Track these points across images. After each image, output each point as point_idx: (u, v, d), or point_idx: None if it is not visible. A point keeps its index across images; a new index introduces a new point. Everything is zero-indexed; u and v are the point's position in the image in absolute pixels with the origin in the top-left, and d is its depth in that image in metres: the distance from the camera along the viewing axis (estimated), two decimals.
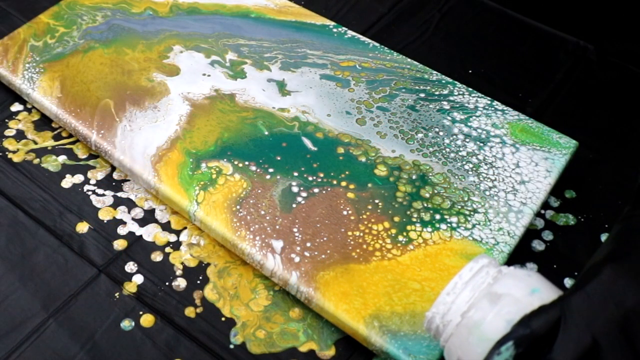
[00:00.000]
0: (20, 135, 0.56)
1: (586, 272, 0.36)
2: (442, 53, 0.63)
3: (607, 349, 0.32)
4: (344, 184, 0.50)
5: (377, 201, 0.49)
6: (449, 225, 0.48)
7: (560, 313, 0.34)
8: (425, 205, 0.49)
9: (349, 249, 0.46)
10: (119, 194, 0.52)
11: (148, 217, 0.51)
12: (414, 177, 0.50)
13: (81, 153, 0.55)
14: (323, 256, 0.46)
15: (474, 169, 0.51)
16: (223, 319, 0.46)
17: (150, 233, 0.50)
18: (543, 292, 0.36)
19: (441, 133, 0.53)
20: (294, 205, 0.49)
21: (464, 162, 0.51)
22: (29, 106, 0.58)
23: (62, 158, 0.54)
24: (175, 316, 0.46)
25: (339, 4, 0.67)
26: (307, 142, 0.53)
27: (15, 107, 0.58)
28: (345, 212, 0.48)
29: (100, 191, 0.52)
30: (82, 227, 0.50)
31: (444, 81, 0.57)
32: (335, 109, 0.55)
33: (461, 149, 0.52)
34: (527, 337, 0.34)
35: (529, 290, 0.36)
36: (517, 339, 0.34)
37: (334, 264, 0.46)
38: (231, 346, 0.44)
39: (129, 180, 0.53)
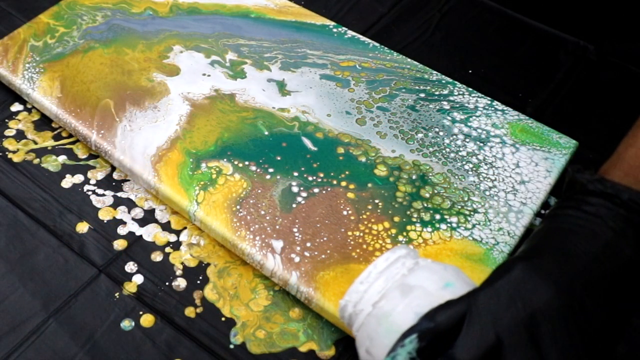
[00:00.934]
0: (20, 135, 0.56)
1: (497, 269, 0.36)
2: (442, 53, 0.63)
3: (511, 348, 0.32)
4: (344, 184, 0.50)
5: (377, 201, 0.49)
6: (449, 225, 0.48)
7: (466, 308, 0.33)
8: (425, 205, 0.49)
9: (349, 249, 0.46)
10: (119, 194, 0.52)
11: (148, 217, 0.51)
12: (414, 177, 0.50)
13: (81, 153, 0.55)
14: (323, 256, 0.46)
15: (474, 169, 0.51)
16: (223, 319, 0.46)
17: (150, 233, 0.50)
18: (457, 287, 0.36)
19: (441, 133, 0.53)
20: (294, 205, 0.49)
21: (464, 162, 0.51)
22: (29, 106, 0.58)
23: (62, 158, 0.54)
24: (175, 316, 0.46)
25: (339, 4, 0.67)
26: (307, 142, 0.53)
27: (15, 107, 0.58)
28: (345, 212, 0.48)
29: (100, 191, 0.52)
30: (82, 227, 0.50)
31: (444, 81, 0.57)
32: (335, 109, 0.55)
33: (461, 149, 0.52)
34: (431, 330, 0.33)
35: (442, 284, 0.35)
36: (421, 331, 0.33)
37: (334, 264, 0.46)
38: (231, 346, 0.44)
39: (129, 180, 0.53)
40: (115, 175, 0.53)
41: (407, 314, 0.34)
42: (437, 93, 0.56)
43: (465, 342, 0.32)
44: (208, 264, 0.48)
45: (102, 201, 0.52)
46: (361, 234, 0.47)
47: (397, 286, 0.36)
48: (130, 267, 0.48)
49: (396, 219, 0.48)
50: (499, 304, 0.33)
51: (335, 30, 0.61)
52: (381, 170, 0.51)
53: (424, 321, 0.33)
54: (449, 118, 0.54)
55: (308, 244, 0.47)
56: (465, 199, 0.49)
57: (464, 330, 0.33)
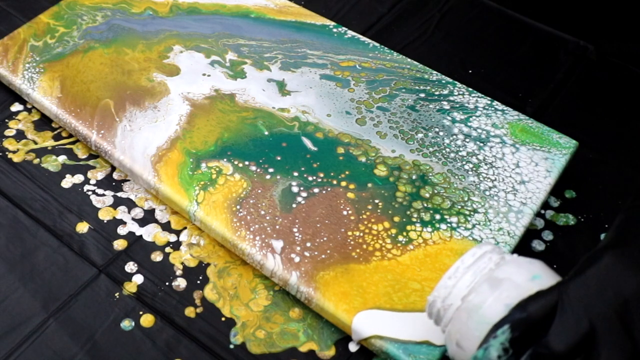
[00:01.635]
0: (20, 135, 0.56)
1: (586, 258, 0.36)
2: (442, 53, 0.63)
3: (604, 335, 0.32)
4: (344, 184, 0.50)
5: (377, 201, 0.49)
6: (449, 225, 0.48)
7: (557, 298, 0.34)
8: (425, 205, 0.49)
9: (349, 249, 0.46)
10: (119, 194, 0.52)
11: (148, 217, 0.51)
12: (414, 177, 0.50)
13: (81, 153, 0.55)
14: (323, 256, 0.46)
15: (474, 169, 0.51)
16: (223, 319, 0.46)
17: (150, 233, 0.50)
18: (544, 279, 0.36)
19: (441, 133, 0.53)
20: (294, 205, 0.49)
21: (464, 162, 0.51)
22: (29, 106, 0.58)
23: (62, 158, 0.54)
24: (175, 316, 0.46)
25: (339, 4, 0.67)
26: (307, 142, 0.53)
27: (15, 107, 0.58)
28: (345, 212, 0.48)
29: (100, 191, 0.52)
30: (82, 227, 0.50)
31: (444, 81, 0.57)
32: (335, 109, 0.55)
33: (461, 149, 0.52)
34: (524, 320, 0.34)
35: (530, 277, 0.36)
36: (513, 322, 0.34)
37: (334, 264, 0.46)
38: (231, 346, 0.44)
39: (129, 180, 0.53)
40: (115, 175, 0.53)
41: (498, 306, 0.35)
42: (437, 93, 0.56)
43: (559, 331, 0.33)
44: (208, 264, 0.48)
45: (102, 201, 0.52)
46: (361, 234, 0.47)
47: (486, 280, 0.37)
48: (130, 267, 0.48)
49: (396, 219, 0.48)
50: (590, 292, 0.33)
51: (335, 30, 0.61)
52: (381, 170, 0.51)
53: (515, 312, 0.34)
54: (449, 118, 0.54)
55: (308, 244, 0.47)
56: (465, 199, 0.49)
57: (556, 319, 0.33)
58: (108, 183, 0.53)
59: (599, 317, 0.33)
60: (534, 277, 0.36)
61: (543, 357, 0.33)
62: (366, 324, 0.43)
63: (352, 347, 0.44)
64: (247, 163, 0.51)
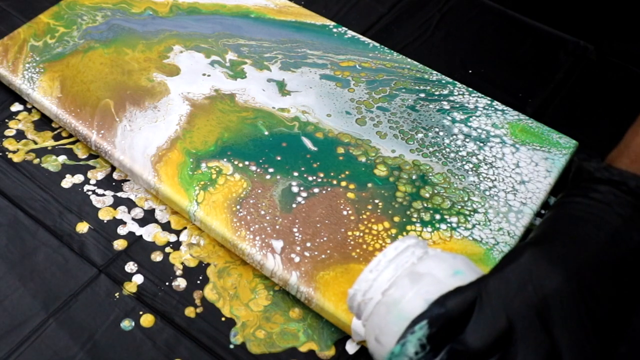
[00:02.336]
0: (20, 135, 0.56)
1: (507, 255, 0.36)
2: (442, 53, 0.63)
3: (522, 332, 0.32)
4: (344, 184, 0.50)
5: (377, 201, 0.49)
6: (449, 225, 0.48)
7: (476, 294, 0.33)
8: (425, 205, 0.49)
9: (349, 249, 0.46)
10: (119, 194, 0.52)
11: (148, 217, 0.51)
12: (414, 177, 0.50)
13: (81, 153, 0.55)
14: (323, 256, 0.46)
15: (474, 169, 0.51)
16: (223, 319, 0.46)
17: (150, 233, 0.50)
18: (466, 274, 0.35)
19: (441, 133, 0.53)
20: (294, 205, 0.49)
21: (464, 162, 0.51)
22: (29, 106, 0.58)
23: (62, 158, 0.54)
24: (175, 316, 0.46)
25: (339, 4, 0.67)
26: (307, 142, 0.53)
27: (15, 107, 0.58)
28: (345, 212, 0.48)
29: (100, 191, 0.52)
30: (82, 227, 0.50)
31: (444, 81, 0.57)
32: (335, 109, 0.55)
33: (461, 149, 0.52)
34: (441, 316, 0.33)
35: (452, 272, 0.35)
36: (431, 318, 0.33)
37: (334, 264, 0.46)
38: (231, 346, 0.44)
39: (129, 180, 0.53)
40: (115, 175, 0.53)
41: (417, 301, 0.34)
42: (437, 93, 0.56)
43: (477, 327, 0.32)
44: (208, 264, 0.48)
45: (102, 201, 0.52)
46: (361, 234, 0.47)
47: (407, 274, 0.36)
48: (130, 267, 0.48)
49: (396, 219, 0.48)
50: (509, 289, 0.33)
51: (335, 30, 0.61)
52: (381, 170, 0.51)
53: (434, 307, 0.33)
54: (449, 118, 0.54)
55: (308, 244, 0.47)
56: (465, 199, 0.49)
57: (474, 316, 0.33)
58: (108, 183, 0.53)
59: (518, 314, 0.32)
60: (455, 272, 0.35)
61: (459, 354, 0.32)
62: None
63: (352, 349, 0.44)
64: (247, 163, 0.51)
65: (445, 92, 0.56)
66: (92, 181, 0.53)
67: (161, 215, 0.51)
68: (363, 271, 0.37)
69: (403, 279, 0.36)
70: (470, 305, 0.33)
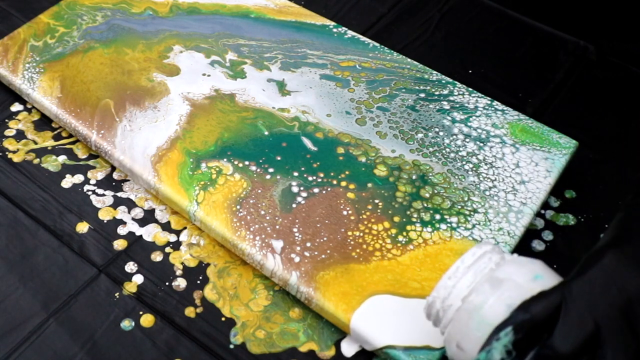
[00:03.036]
0: (20, 135, 0.56)
1: (587, 258, 0.36)
2: (442, 53, 0.63)
3: (609, 334, 0.32)
4: (344, 184, 0.50)
5: (377, 201, 0.49)
6: (449, 225, 0.48)
7: (561, 298, 0.33)
8: (425, 205, 0.49)
9: (349, 249, 0.46)
10: (119, 194, 0.52)
11: (148, 217, 0.51)
12: (414, 177, 0.50)
13: (81, 153, 0.55)
14: (323, 256, 0.46)
15: (474, 169, 0.51)
16: (223, 319, 0.46)
17: (150, 233, 0.50)
18: (546, 279, 0.36)
19: (441, 133, 0.53)
20: (294, 205, 0.49)
21: (464, 162, 0.51)
22: (29, 106, 0.58)
23: (62, 158, 0.54)
24: (175, 316, 0.46)
25: (339, 4, 0.67)
26: (307, 142, 0.53)
27: (15, 107, 0.58)
28: (345, 212, 0.48)
29: (100, 191, 0.52)
30: (82, 227, 0.50)
31: (444, 81, 0.57)
32: (335, 109, 0.55)
33: (461, 149, 0.52)
34: (527, 322, 0.33)
35: (532, 277, 0.36)
36: (516, 324, 0.33)
37: (334, 264, 0.46)
38: (231, 346, 0.44)
39: (129, 180, 0.53)
40: (115, 175, 0.53)
41: (499, 306, 0.35)
42: (437, 93, 0.56)
43: (564, 331, 0.32)
44: (208, 264, 0.48)
45: (102, 201, 0.52)
46: (361, 234, 0.47)
47: (487, 280, 0.36)
48: (130, 267, 0.48)
49: (396, 219, 0.48)
50: (593, 292, 0.33)
51: (335, 30, 0.61)
52: (381, 170, 0.51)
53: (519, 313, 0.34)
54: (449, 118, 0.54)
55: (308, 244, 0.47)
56: (465, 199, 0.49)
57: (561, 320, 0.33)
58: (108, 183, 0.53)
59: (604, 317, 0.32)
60: (535, 277, 0.36)
61: (548, 359, 0.32)
62: None
63: (348, 352, 0.44)
64: (247, 163, 0.51)
65: (445, 92, 0.56)
66: (92, 181, 0.53)
67: (161, 215, 0.51)
68: (442, 278, 0.37)
69: (483, 284, 0.36)
70: (555, 310, 0.33)
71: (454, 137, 0.53)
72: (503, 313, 0.34)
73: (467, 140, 0.53)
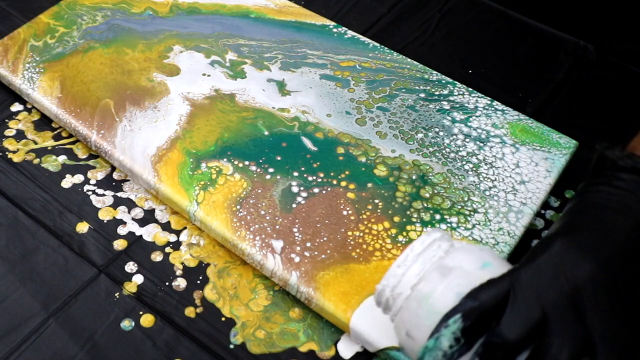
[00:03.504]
0: (20, 135, 0.56)
1: (537, 246, 0.36)
2: (442, 53, 0.63)
3: (556, 322, 0.32)
4: (344, 184, 0.50)
5: (377, 201, 0.49)
6: (449, 225, 0.48)
7: (509, 286, 0.34)
8: (425, 205, 0.49)
9: (349, 249, 0.46)
10: (119, 194, 0.52)
11: (148, 217, 0.51)
12: (414, 177, 0.50)
13: (81, 153, 0.55)
14: (323, 256, 0.46)
15: (474, 169, 0.51)
16: (223, 319, 0.46)
17: (150, 233, 0.50)
18: (495, 266, 0.36)
19: (441, 133, 0.53)
20: (294, 205, 0.49)
21: (464, 162, 0.51)
22: (29, 106, 0.58)
23: (62, 158, 0.54)
24: (175, 316, 0.46)
25: (339, 4, 0.67)
26: (307, 142, 0.53)
27: (15, 107, 0.58)
28: (345, 212, 0.48)
29: (100, 191, 0.52)
30: (82, 227, 0.50)
31: (444, 81, 0.57)
32: (335, 109, 0.55)
33: (461, 149, 0.52)
34: (475, 309, 0.33)
35: (480, 264, 0.36)
36: (465, 311, 0.33)
37: (334, 264, 0.46)
38: (231, 346, 0.44)
39: (129, 180, 0.53)
40: (115, 175, 0.53)
41: (448, 294, 0.35)
42: (437, 93, 0.56)
43: (511, 319, 0.33)
44: (208, 264, 0.48)
45: (102, 201, 0.52)
46: (361, 234, 0.47)
47: (436, 268, 0.36)
48: (130, 267, 0.48)
49: (396, 219, 0.48)
50: (542, 280, 0.33)
51: (335, 30, 0.61)
52: (381, 170, 0.51)
53: (467, 301, 0.34)
54: (449, 118, 0.54)
55: (308, 244, 0.47)
56: (465, 199, 0.49)
57: (509, 307, 0.33)
58: (108, 183, 0.53)
59: (551, 305, 0.33)
60: (484, 264, 0.36)
61: (496, 346, 0.32)
62: None
63: (346, 354, 0.44)
64: (247, 163, 0.51)
65: (445, 92, 0.56)
66: (92, 181, 0.53)
67: (161, 215, 0.51)
68: (391, 266, 0.37)
69: (432, 273, 0.36)
70: (503, 298, 0.33)
71: (454, 137, 0.53)
72: (452, 301, 0.34)
73: (467, 140, 0.53)
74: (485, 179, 0.50)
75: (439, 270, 0.36)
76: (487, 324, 0.33)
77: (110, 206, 0.52)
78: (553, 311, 0.32)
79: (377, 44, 0.60)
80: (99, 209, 0.51)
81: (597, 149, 0.41)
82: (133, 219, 0.51)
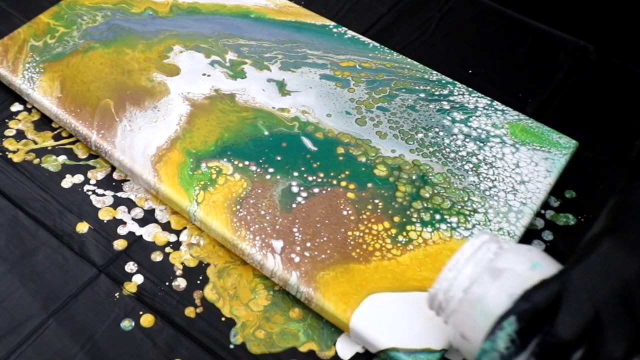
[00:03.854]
0: (20, 135, 0.56)
1: (585, 245, 0.36)
2: (442, 53, 0.63)
3: (609, 320, 0.33)
4: (344, 184, 0.50)
5: (377, 201, 0.49)
6: (449, 225, 0.48)
7: (561, 287, 0.34)
8: (425, 205, 0.49)
9: (349, 249, 0.46)
10: (119, 194, 0.52)
11: (148, 217, 0.51)
12: (413, 177, 0.50)
13: (81, 153, 0.55)
14: (323, 256, 0.46)
15: (474, 169, 0.51)
16: (223, 319, 0.46)
17: (150, 233, 0.50)
18: (544, 266, 0.36)
19: (441, 133, 0.53)
20: (294, 205, 0.49)
21: (464, 162, 0.51)
22: (29, 106, 0.58)
23: (62, 158, 0.54)
24: (175, 316, 0.46)
25: (339, 4, 0.67)
26: (307, 142, 0.53)
27: (15, 107, 0.58)
28: (345, 212, 0.48)
29: (100, 191, 0.52)
30: (82, 227, 0.50)
31: (444, 81, 0.57)
32: (335, 109, 0.55)
33: (461, 149, 0.52)
34: (529, 311, 0.34)
35: (530, 265, 0.36)
36: (519, 313, 0.34)
37: (334, 264, 0.46)
38: (231, 346, 0.44)
39: (129, 180, 0.53)
40: (115, 175, 0.53)
41: (500, 296, 0.36)
42: (437, 93, 0.56)
43: (566, 319, 0.33)
44: (208, 264, 0.48)
45: (102, 201, 0.52)
46: (361, 234, 0.47)
47: (487, 270, 0.37)
48: (130, 267, 0.48)
49: (396, 219, 0.48)
50: (592, 279, 0.34)
51: (335, 30, 0.61)
52: (381, 170, 0.51)
53: (521, 303, 0.34)
54: (449, 118, 0.54)
55: (308, 244, 0.47)
56: (465, 199, 0.49)
57: (562, 308, 0.34)
58: (108, 183, 0.53)
59: (603, 303, 0.33)
60: (534, 265, 0.36)
61: (552, 346, 0.33)
62: None
63: (345, 355, 0.44)
64: (247, 163, 0.51)
65: (445, 92, 0.56)
66: (92, 181, 0.53)
67: (161, 215, 0.51)
68: (442, 270, 0.38)
69: (483, 275, 0.37)
70: (555, 298, 0.34)
71: (454, 137, 0.53)
72: (504, 303, 0.35)
73: (467, 140, 0.53)
74: (485, 179, 0.50)
75: (490, 272, 0.37)
76: (541, 324, 0.34)
77: (110, 206, 0.52)
78: (605, 309, 0.33)
79: (377, 44, 0.60)
80: (99, 209, 0.51)
81: (637, 144, 0.41)
82: (133, 219, 0.51)
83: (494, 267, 0.37)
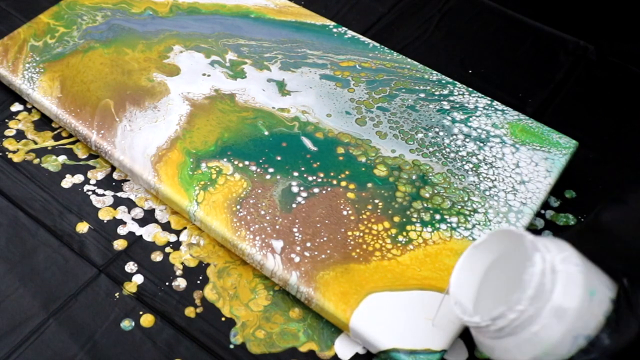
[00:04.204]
0: (20, 135, 0.56)
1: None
2: (442, 53, 0.63)
3: None
4: (344, 184, 0.50)
5: (377, 201, 0.49)
6: (449, 225, 0.48)
7: (637, 329, 0.35)
8: (425, 205, 0.49)
9: (349, 249, 0.46)
10: (119, 194, 0.52)
11: (148, 217, 0.51)
12: (413, 177, 0.50)
13: (81, 153, 0.55)
14: (323, 256, 0.46)
15: (474, 169, 0.51)
16: (223, 319, 0.46)
17: (150, 233, 0.50)
18: (599, 292, 0.36)
19: (441, 133, 0.53)
20: (294, 205, 0.49)
21: (464, 162, 0.51)
22: (29, 106, 0.58)
23: (62, 158, 0.54)
24: (175, 316, 0.46)
25: (339, 4, 0.67)
26: (307, 142, 0.53)
27: (15, 107, 0.58)
28: (345, 212, 0.48)
29: (100, 191, 0.52)
30: (82, 227, 0.50)
31: (444, 81, 0.57)
32: (335, 109, 0.55)
33: (461, 149, 0.52)
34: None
35: (589, 295, 0.36)
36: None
37: (334, 264, 0.46)
38: (231, 346, 0.44)
39: (129, 180, 0.53)
40: (115, 175, 0.53)
41: (566, 339, 0.36)
42: (437, 93, 0.56)
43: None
44: (208, 264, 0.48)
45: (102, 201, 0.52)
46: (361, 234, 0.47)
47: (550, 311, 0.36)
48: (130, 267, 0.48)
49: (396, 219, 0.48)
50: None
51: (335, 30, 0.61)
52: (381, 170, 0.51)
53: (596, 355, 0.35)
54: (449, 118, 0.54)
55: (308, 244, 0.47)
56: (465, 199, 0.49)
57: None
58: (108, 183, 0.53)
59: None
60: (591, 293, 0.36)
61: None
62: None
63: (344, 355, 0.44)
64: (247, 163, 0.51)
65: (445, 92, 0.56)
66: (92, 181, 0.53)
67: (161, 215, 0.51)
68: (499, 307, 0.37)
69: (550, 319, 0.36)
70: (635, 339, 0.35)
71: (454, 137, 0.53)
72: (571, 345, 0.36)
73: (467, 140, 0.53)
74: (485, 179, 0.50)
75: (555, 313, 0.36)
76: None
77: (110, 206, 0.52)
78: None
79: (377, 44, 0.60)
80: (99, 209, 0.51)
81: None
82: (133, 219, 0.51)
83: (558, 307, 0.36)
